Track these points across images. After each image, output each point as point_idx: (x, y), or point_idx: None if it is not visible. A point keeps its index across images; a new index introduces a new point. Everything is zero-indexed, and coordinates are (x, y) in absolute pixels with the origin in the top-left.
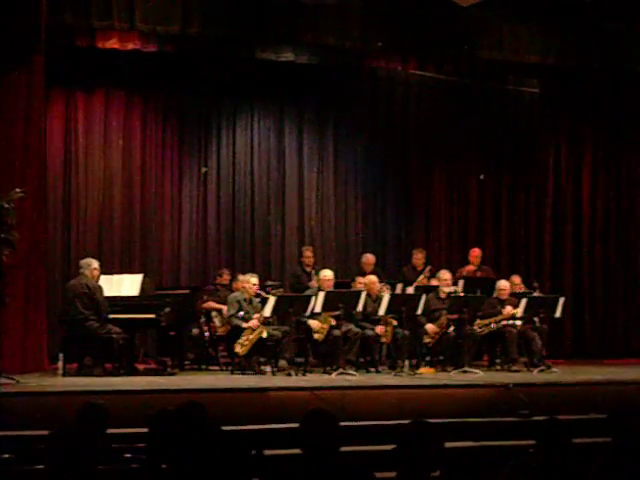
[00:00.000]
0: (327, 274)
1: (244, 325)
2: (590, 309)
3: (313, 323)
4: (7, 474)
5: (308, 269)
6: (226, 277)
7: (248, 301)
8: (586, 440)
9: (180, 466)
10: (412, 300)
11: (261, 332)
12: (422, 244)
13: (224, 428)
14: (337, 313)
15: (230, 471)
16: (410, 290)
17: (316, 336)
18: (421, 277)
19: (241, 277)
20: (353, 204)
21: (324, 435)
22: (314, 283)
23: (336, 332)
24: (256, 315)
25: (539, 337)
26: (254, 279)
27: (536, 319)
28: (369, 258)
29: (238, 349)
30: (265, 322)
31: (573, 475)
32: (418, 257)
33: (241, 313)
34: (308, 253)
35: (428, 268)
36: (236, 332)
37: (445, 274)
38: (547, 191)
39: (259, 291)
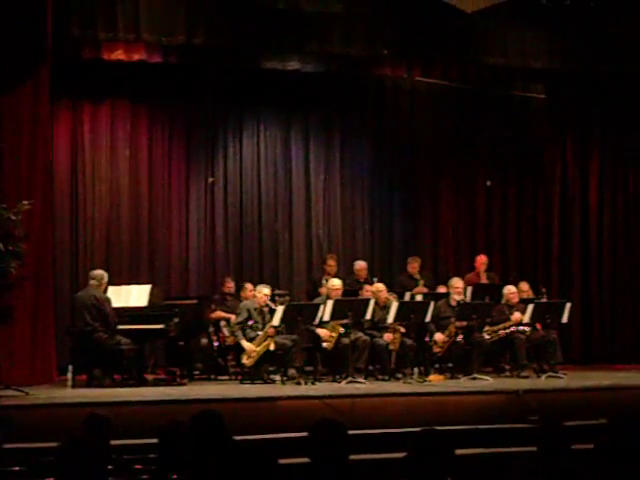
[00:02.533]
0: (335, 283)
1: (244, 343)
2: (599, 314)
3: (322, 332)
4: None
5: (328, 277)
6: (229, 285)
7: (258, 310)
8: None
9: (192, 477)
10: (420, 307)
11: (268, 345)
12: (429, 251)
13: (235, 438)
14: (346, 321)
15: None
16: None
17: (325, 345)
18: (419, 287)
19: (250, 286)
20: (360, 212)
21: (332, 444)
22: (323, 290)
23: (345, 340)
24: (270, 325)
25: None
26: (266, 289)
27: (538, 326)
28: (361, 264)
29: (245, 360)
30: (274, 331)
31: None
32: (414, 265)
33: (251, 322)
34: (331, 262)
35: (422, 282)
36: (238, 343)
37: (457, 282)
38: (554, 197)
39: (268, 302)
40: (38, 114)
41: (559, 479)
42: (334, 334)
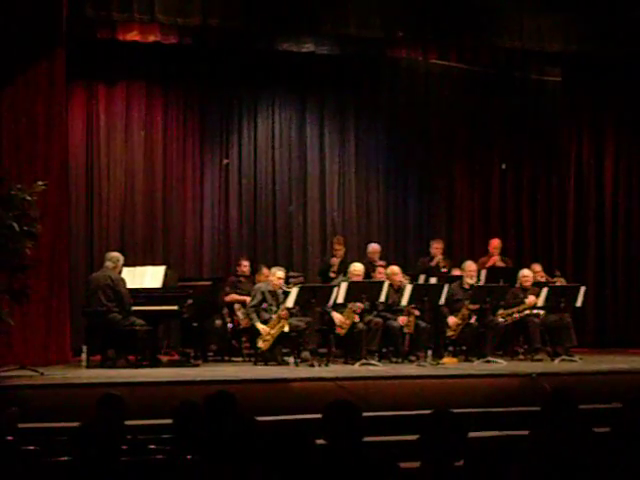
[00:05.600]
0: (357, 267)
1: (259, 326)
2: (613, 297)
3: (337, 317)
4: (31, 466)
5: (338, 259)
6: (244, 266)
7: (272, 293)
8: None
9: (207, 457)
10: (434, 290)
11: (283, 326)
12: (444, 234)
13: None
14: (361, 309)
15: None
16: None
17: (338, 330)
18: (436, 259)
19: (266, 271)
20: (375, 194)
21: (347, 426)
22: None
23: (360, 325)
24: (283, 307)
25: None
26: (280, 272)
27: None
28: (374, 247)
29: (261, 344)
30: (288, 313)
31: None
32: (437, 247)
33: (264, 305)
34: (337, 246)
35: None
36: (252, 326)
37: (470, 265)
38: (569, 180)
39: (283, 286)
40: (53, 95)
41: (569, 461)
42: (348, 321)
